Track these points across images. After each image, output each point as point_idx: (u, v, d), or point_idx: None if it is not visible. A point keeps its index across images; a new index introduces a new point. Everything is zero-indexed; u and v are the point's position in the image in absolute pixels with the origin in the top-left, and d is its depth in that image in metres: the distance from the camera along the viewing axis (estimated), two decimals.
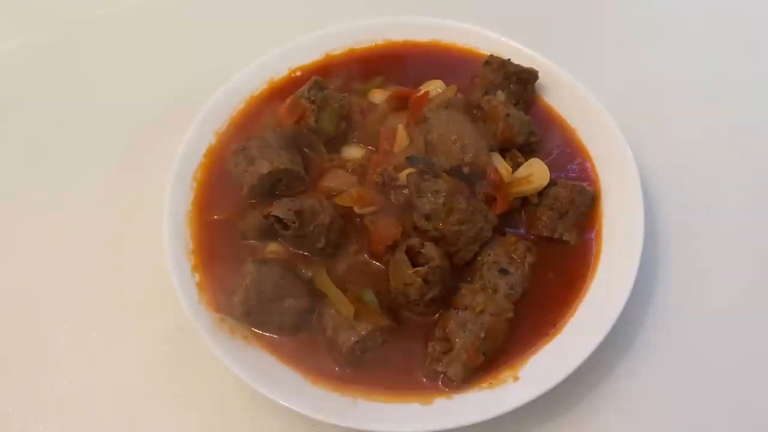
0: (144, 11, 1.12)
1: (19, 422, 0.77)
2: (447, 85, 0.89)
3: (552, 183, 0.80)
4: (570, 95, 0.88)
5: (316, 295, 0.76)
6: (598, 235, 0.80)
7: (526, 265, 0.77)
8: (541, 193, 0.81)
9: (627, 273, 0.74)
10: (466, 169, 0.78)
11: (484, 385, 0.71)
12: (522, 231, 0.81)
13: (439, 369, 0.71)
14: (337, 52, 0.94)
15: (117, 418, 0.77)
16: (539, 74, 0.89)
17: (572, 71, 0.89)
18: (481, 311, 0.72)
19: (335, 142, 0.86)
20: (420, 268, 0.72)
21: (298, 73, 0.93)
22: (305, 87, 0.86)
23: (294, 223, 0.74)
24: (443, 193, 0.75)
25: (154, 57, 1.06)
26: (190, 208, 0.82)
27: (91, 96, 1.02)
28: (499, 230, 0.79)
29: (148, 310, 0.82)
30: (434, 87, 0.88)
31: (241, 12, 1.12)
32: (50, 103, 1.02)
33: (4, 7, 1.14)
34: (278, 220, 0.75)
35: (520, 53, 0.90)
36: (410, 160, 0.78)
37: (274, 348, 0.74)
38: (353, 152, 0.85)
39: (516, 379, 0.71)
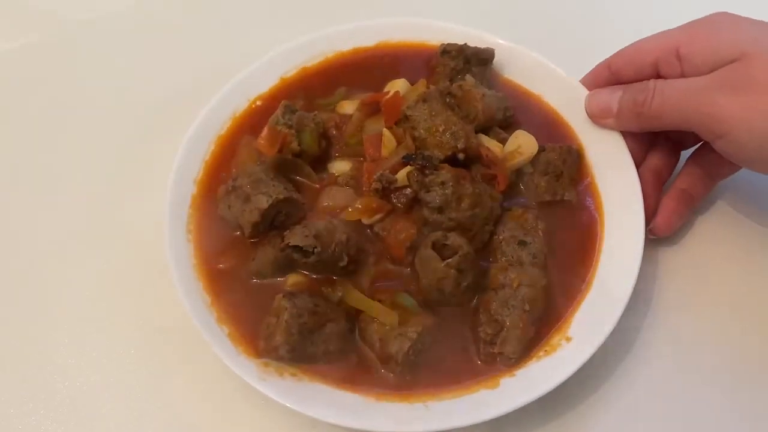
0: (144, 12, 1.13)
1: (21, 423, 0.76)
2: (409, 81, 0.90)
3: (540, 149, 0.83)
4: (527, 65, 0.92)
5: (352, 314, 0.75)
6: (593, 186, 0.84)
7: (540, 232, 0.80)
8: (533, 162, 0.83)
9: (635, 210, 0.78)
10: (461, 156, 0.79)
11: (541, 354, 0.73)
12: (524, 201, 0.83)
13: (496, 350, 0.72)
14: (291, 73, 0.93)
15: (120, 418, 0.76)
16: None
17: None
18: (518, 285, 0.74)
19: (319, 162, 0.85)
20: (450, 259, 0.72)
21: (259, 103, 0.91)
22: (277, 113, 0.84)
23: (316, 247, 0.73)
24: (450, 183, 0.76)
25: (153, 57, 1.06)
26: (194, 261, 0.78)
27: (91, 96, 1.02)
28: (503, 206, 0.81)
29: (150, 310, 0.82)
30: (398, 86, 0.88)
31: (237, 12, 1.13)
32: (49, 102, 1.03)
33: (4, 7, 1.14)
34: (297, 249, 0.74)
35: (469, 36, 0.92)
36: (408, 159, 0.78)
37: (327, 377, 0.72)
38: (340, 167, 0.84)
39: (569, 340, 0.73)
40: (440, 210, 0.76)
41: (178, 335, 0.79)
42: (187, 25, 1.11)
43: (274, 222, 0.80)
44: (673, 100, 0.75)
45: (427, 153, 0.79)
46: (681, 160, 0.86)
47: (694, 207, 0.86)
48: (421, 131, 0.81)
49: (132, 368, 0.79)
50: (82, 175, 0.94)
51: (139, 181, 0.92)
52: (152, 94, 1.01)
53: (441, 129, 0.80)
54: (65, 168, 0.95)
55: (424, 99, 0.83)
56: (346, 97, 0.90)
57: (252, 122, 0.89)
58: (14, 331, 0.82)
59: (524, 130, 0.85)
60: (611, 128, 0.84)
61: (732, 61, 0.71)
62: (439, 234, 0.74)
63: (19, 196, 0.93)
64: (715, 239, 0.86)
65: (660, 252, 0.85)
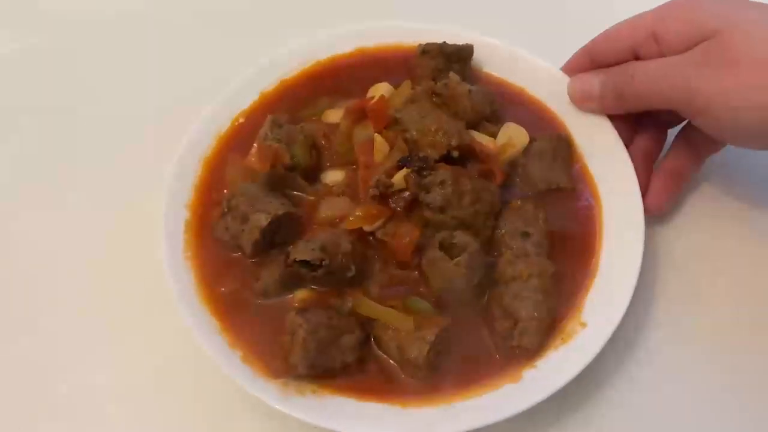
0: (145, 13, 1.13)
1: (24, 423, 0.76)
2: (391, 84, 0.89)
3: (531, 139, 0.84)
4: (506, 58, 0.92)
5: (364, 324, 0.74)
6: (586, 171, 0.85)
7: (540, 221, 0.80)
8: (525, 152, 0.84)
9: (631, 192, 0.79)
10: (455, 154, 0.79)
11: (558, 342, 0.73)
12: (521, 192, 0.83)
13: (514, 344, 0.72)
14: (271, 87, 0.92)
15: (121, 419, 0.76)
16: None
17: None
18: (528, 276, 0.74)
19: (311, 174, 0.84)
20: (459, 258, 0.72)
21: (241, 120, 0.89)
22: (265, 128, 0.83)
23: (323, 260, 0.72)
24: (449, 182, 0.76)
25: (154, 57, 1.07)
26: (197, 287, 0.76)
27: (92, 97, 1.03)
28: (501, 200, 0.81)
29: (151, 311, 0.81)
30: (382, 90, 0.88)
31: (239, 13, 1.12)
32: (51, 103, 1.03)
33: (8, 7, 1.15)
34: (304, 263, 0.73)
35: (446, 34, 0.92)
36: (404, 162, 0.77)
37: (348, 390, 0.71)
38: (334, 176, 0.83)
39: (583, 325, 0.73)
40: (442, 209, 0.76)
41: (184, 336, 0.76)
42: (190, 29, 1.11)
43: (274, 239, 0.78)
44: (651, 80, 0.76)
45: (422, 154, 0.78)
46: (669, 138, 0.88)
47: (684, 184, 0.87)
48: (413, 133, 0.80)
49: (136, 369, 0.79)
50: (83, 176, 0.95)
51: (140, 183, 0.91)
52: (154, 96, 1.01)
53: (433, 129, 0.80)
54: (64, 170, 0.96)
55: (412, 100, 0.83)
56: (329, 106, 0.89)
57: (237, 140, 0.88)
58: (17, 331, 0.82)
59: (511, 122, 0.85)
60: (594, 112, 0.85)
61: (707, 39, 0.72)
62: (445, 233, 0.74)
63: (23, 195, 0.94)
64: (719, 232, 0.86)
65: (662, 247, 0.85)
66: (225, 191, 0.83)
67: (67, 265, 0.87)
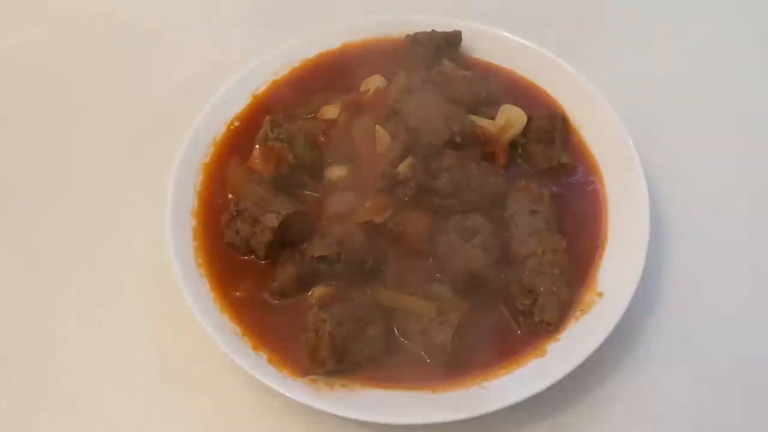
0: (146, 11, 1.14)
1: (26, 419, 0.76)
2: (384, 77, 0.90)
3: (528, 119, 0.85)
4: (493, 42, 0.93)
5: (387, 314, 0.74)
6: (583, 145, 0.86)
7: (546, 198, 0.81)
8: (524, 132, 0.85)
9: (630, 161, 0.81)
10: (458, 139, 0.80)
11: (578, 314, 0.74)
12: (524, 172, 0.84)
13: (536, 320, 0.73)
14: (263, 89, 0.91)
15: (124, 414, 0.76)
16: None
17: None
18: (543, 252, 0.75)
19: (315, 171, 0.84)
20: (474, 240, 0.73)
21: (237, 124, 0.89)
22: (265, 129, 0.82)
23: (341, 254, 0.72)
24: (456, 167, 0.76)
25: (154, 55, 1.07)
26: (213, 294, 0.76)
27: (92, 94, 1.03)
28: (506, 180, 0.82)
29: (153, 305, 0.81)
30: (376, 82, 0.88)
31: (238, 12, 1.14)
32: (51, 101, 1.03)
33: (4, 5, 1.16)
34: (322, 259, 0.72)
35: (432, 23, 0.93)
36: (409, 150, 0.78)
37: (377, 380, 0.71)
38: (337, 171, 0.83)
39: (600, 295, 0.75)
40: (451, 195, 0.76)
41: (187, 330, 0.77)
42: (184, 25, 1.12)
43: (284, 239, 0.78)
44: None
45: (426, 142, 0.79)
46: None
47: None
48: (415, 122, 0.81)
49: (138, 365, 0.79)
50: (87, 173, 0.94)
51: (143, 180, 0.91)
52: (153, 94, 1.01)
53: (434, 116, 0.80)
54: (68, 169, 0.95)
55: (409, 90, 0.83)
56: (324, 103, 0.89)
57: (234, 144, 0.87)
58: (20, 330, 0.82)
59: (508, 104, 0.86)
60: None
61: None
62: (458, 218, 0.75)
63: (26, 194, 0.93)
64: (721, 231, 0.87)
65: (663, 247, 0.84)
66: (230, 195, 0.82)
67: (69, 265, 0.86)
